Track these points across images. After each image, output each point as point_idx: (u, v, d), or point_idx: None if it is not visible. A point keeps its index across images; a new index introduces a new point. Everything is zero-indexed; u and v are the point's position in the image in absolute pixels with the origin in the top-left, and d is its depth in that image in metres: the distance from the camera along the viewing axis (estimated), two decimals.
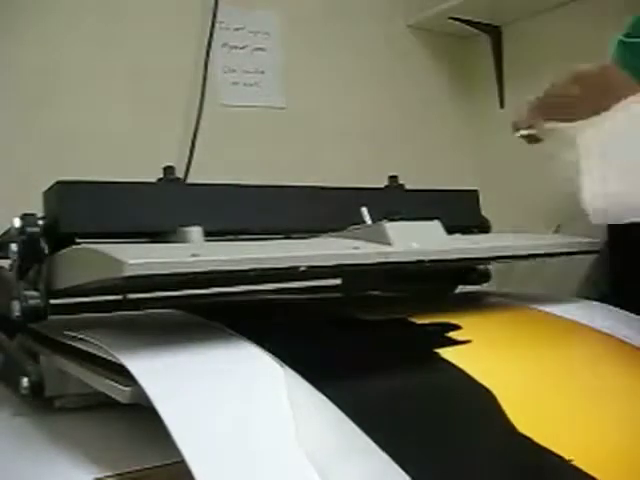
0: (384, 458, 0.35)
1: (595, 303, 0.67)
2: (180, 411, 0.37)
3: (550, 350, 0.54)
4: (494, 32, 1.36)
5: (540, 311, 0.64)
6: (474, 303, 0.72)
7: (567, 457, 0.38)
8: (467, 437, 0.40)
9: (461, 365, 0.47)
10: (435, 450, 0.38)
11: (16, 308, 0.52)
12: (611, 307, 0.65)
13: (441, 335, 0.53)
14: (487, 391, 0.44)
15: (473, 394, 0.44)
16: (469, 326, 0.56)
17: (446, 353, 0.49)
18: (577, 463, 0.37)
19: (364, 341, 0.54)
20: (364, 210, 0.61)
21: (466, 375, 0.46)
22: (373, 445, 0.36)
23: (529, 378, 0.48)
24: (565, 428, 0.42)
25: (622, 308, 0.64)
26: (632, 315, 0.62)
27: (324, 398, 0.39)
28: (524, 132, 0.72)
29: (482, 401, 0.43)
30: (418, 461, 0.36)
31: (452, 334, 0.53)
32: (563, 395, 0.47)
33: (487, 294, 0.77)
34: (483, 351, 0.51)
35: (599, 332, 0.59)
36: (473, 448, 0.39)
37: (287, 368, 0.43)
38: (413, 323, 0.57)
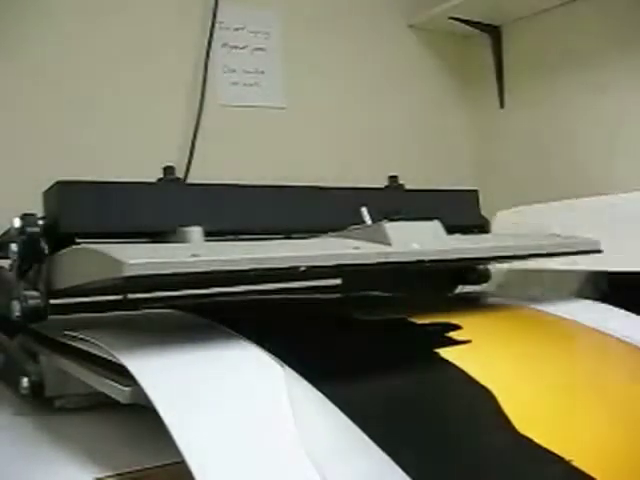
0: (384, 458, 0.35)
1: (595, 303, 0.67)
2: (180, 411, 0.37)
3: (550, 350, 0.54)
4: (494, 32, 1.36)
5: (540, 311, 0.64)
6: (474, 303, 0.72)
7: (567, 457, 0.38)
8: (467, 437, 0.40)
9: (461, 365, 0.47)
10: (435, 450, 0.38)
11: (16, 308, 0.52)
12: (611, 307, 0.65)
13: (441, 335, 0.53)
14: (487, 391, 0.44)
15: (473, 394, 0.44)
16: (469, 326, 0.56)
17: (446, 353, 0.49)
18: (577, 463, 0.37)
19: (364, 341, 0.54)
20: (364, 210, 0.61)
21: (466, 375, 0.46)
22: (373, 445, 0.36)
23: (529, 378, 0.48)
24: (565, 428, 0.42)
25: (622, 308, 0.64)
26: (632, 315, 0.62)
27: (324, 398, 0.39)
28: None
29: (482, 402, 0.43)
30: (418, 461, 0.36)
31: (452, 334, 0.53)
32: (563, 395, 0.47)
33: (487, 294, 0.77)
34: (483, 351, 0.51)
35: (599, 331, 0.59)
36: (474, 449, 0.39)
37: (287, 368, 0.43)
38: (413, 323, 0.57)
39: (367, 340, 0.54)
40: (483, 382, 0.44)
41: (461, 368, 0.46)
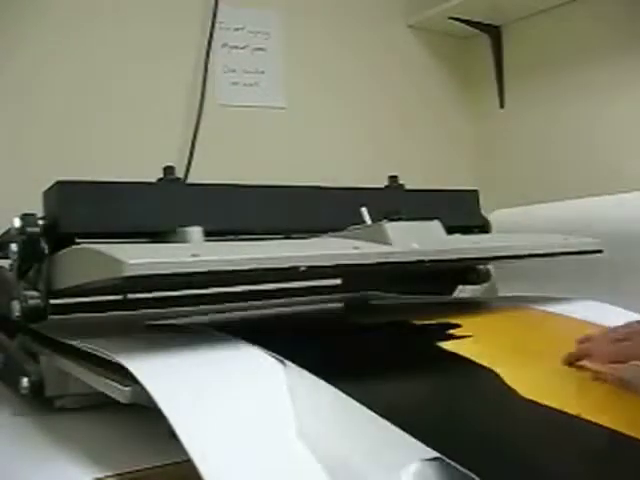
0: (396, 431, 0.35)
1: (596, 302, 0.67)
2: (184, 411, 0.37)
3: (548, 339, 0.55)
4: (494, 32, 1.36)
5: (539, 310, 0.64)
6: (474, 306, 0.72)
7: (574, 412, 0.39)
8: (479, 407, 0.41)
9: (463, 354, 0.48)
10: (450, 419, 0.39)
11: (16, 308, 0.52)
12: (611, 306, 0.65)
13: (442, 332, 0.53)
14: (491, 371, 0.45)
15: (477, 374, 0.45)
16: (469, 324, 0.56)
17: (448, 346, 0.50)
18: (584, 416, 0.39)
19: (365, 341, 0.54)
20: (364, 210, 0.61)
21: (469, 361, 0.47)
22: (382, 423, 0.36)
23: (529, 360, 0.49)
24: (567, 394, 0.44)
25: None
26: (631, 313, 0.62)
27: (329, 387, 0.39)
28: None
29: (486, 378, 0.44)
30: (431, 430, 0.36)
31: (452, 331, 0.54)
32: (560, 371, 0.47)
33: (487, 298, 0.77)
34: (482, 342, 0.52)
35: (594, 324, 0.59)
36: (487, 416, 0.40)
37: (288, 364, 0.43)
38: (414, 324, 0.57)
39: (368, 339, 0.54)
40: (486, 365, 0.46)
41: (464, 356, 0.48)
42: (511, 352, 0.51)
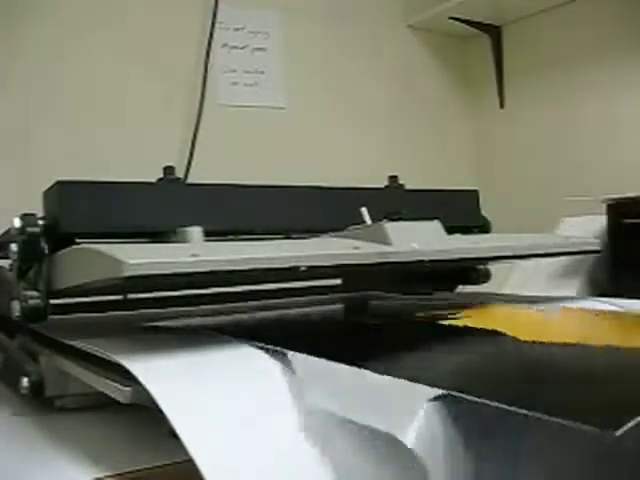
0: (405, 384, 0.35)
1: (597, 301, 0.67)
2: (184, 411, 0.37)
3: (548, 332, 0.56)
4: (494, 32, 1.36)
5: (539, 310, 0.64)
6: (474, 305, 0.72)
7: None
8: (488, 356, 0.43)
9: (468, 324, 0.51)
10: (460, 367, 0.40)
11: (16, 308, 0.52)
12: (609, 305, 0.65)
13: (444, 319, 0.55)
14: (493, 330, 0.48)
15: (482, 333, 0.48)
16: (469, 322, 0.56)
17: (451, 322, 0.53)
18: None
19: (365, 341, 0.54)
20: (364, 210, 0.61)
21: (472, 328, 0.50)
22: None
23: (531, 327, 0.52)
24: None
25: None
26: None
27: (331, 371, 0.40)
28: None
29: (492, 334, 0.47)
30: (445, 380, 0.36)
31: (454, 317, 0.55)
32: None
33: (487, 297, 0.77)
34: (485, 319, 0.55)
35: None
36: (495, 358, 0.42)
37: (288, 362, 0.43)
38: (415, 322, 0.58)
39: (368, 339, 0.54)
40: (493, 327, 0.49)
41: (469, 325, 0.51)
42: (512, 323, 0.54)
